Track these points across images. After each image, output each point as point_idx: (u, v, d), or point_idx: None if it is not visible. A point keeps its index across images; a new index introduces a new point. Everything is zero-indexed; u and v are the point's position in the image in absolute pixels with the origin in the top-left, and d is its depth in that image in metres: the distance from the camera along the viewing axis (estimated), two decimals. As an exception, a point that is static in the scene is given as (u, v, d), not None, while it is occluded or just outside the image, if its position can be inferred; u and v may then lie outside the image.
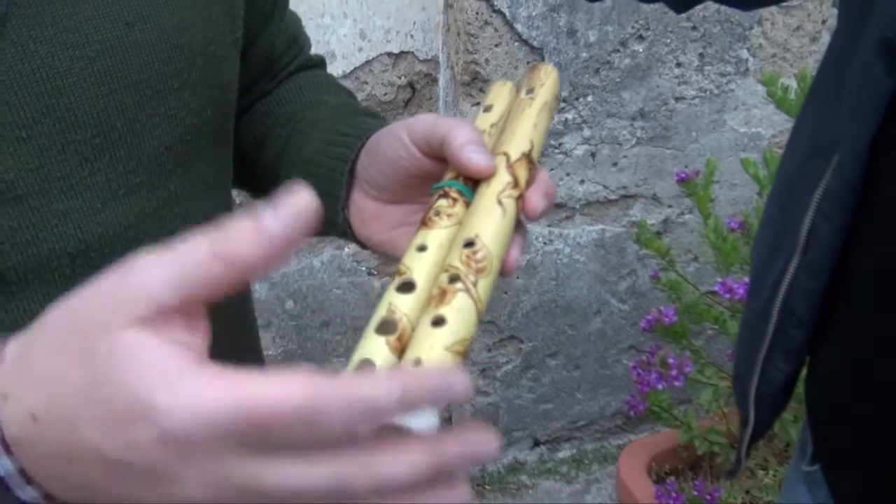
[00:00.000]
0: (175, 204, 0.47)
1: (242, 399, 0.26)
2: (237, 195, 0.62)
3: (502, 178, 0.42)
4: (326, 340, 1.76)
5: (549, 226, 1.63)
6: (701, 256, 1.68)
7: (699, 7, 0.68)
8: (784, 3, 1.47)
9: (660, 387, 1.29)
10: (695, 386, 1.35)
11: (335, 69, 1.51)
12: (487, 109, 0.49)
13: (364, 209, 0.50)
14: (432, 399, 0.27)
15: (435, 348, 0.35)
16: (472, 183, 0.43)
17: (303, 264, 1.69)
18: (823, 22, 1.59)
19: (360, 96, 1.52)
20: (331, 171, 0.51)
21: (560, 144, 1.56)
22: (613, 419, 1.85)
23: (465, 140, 0.43)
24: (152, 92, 0.44)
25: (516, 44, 1.45)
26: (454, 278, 0.38)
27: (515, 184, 0.42)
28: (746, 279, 1.17)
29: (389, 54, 1.56)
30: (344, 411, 0.26)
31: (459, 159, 0.42)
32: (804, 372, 0.61)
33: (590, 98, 1.53)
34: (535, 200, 0.43)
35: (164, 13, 0.44)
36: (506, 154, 0.44)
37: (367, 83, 1.57)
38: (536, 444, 1.84)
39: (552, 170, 1.56)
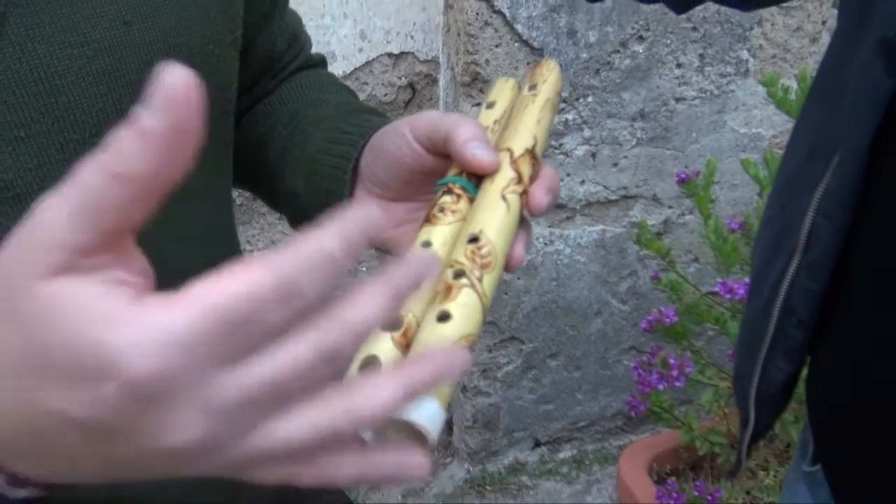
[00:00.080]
0: (174, 204, 0.47)
1: (207, 305, 0.24)
2: (238, 195, 0.62)
3: (506, 174, 0.42)
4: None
5: (549, 226, 1.63)
6: (701, 257, 1.68)
7: (699, 8, 0.68)
8: (784, 4, 1.47)
9: (660, 387, 1.29)
10: (695, 386, 1.35)
11: (335, 70, 1.52)
12: (490, 106, 0.49)
13: None
14: (361, 244, 0.27)
15: (440, 343, 0.35)
16: (476, 179, 0.43)
17: (303, 265, 1.69)
18: (823, 23, 1.59)
19: (360, 97, 1.52)
20: (334, 169, 0.51)
21: (560, 145, 1.56)
22: (614, 420, 1.85)
23: (469, 136, 0.43)
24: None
25: (516, 44, 1.45)
26: (459, 274, 0.38)
27: (519, 179, 0.42)
28: (747, 280, 1.17)
29: (390, 55, 1.56)
30: (312, 273, 0.25)
31: (463, 155, 0.42)
32: (805, 372, 0.61)
33: (590, 99, 1.53)
34: (539, 196, 0.43)
35: (162, 12, 0.44)
36: (509, 150, 0.44)
37: (367, 84, 1.57)
38: (537, 444, 1.84)
39: (552, 170, 1.56)
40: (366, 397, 0.27)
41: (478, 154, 0.42)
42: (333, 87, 0.62)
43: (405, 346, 0.36)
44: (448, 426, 1.87)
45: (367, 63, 1.55)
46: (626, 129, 1.58)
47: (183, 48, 0.45)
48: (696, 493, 1.31)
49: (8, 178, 0.40)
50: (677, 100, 1.58)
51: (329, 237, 0.26)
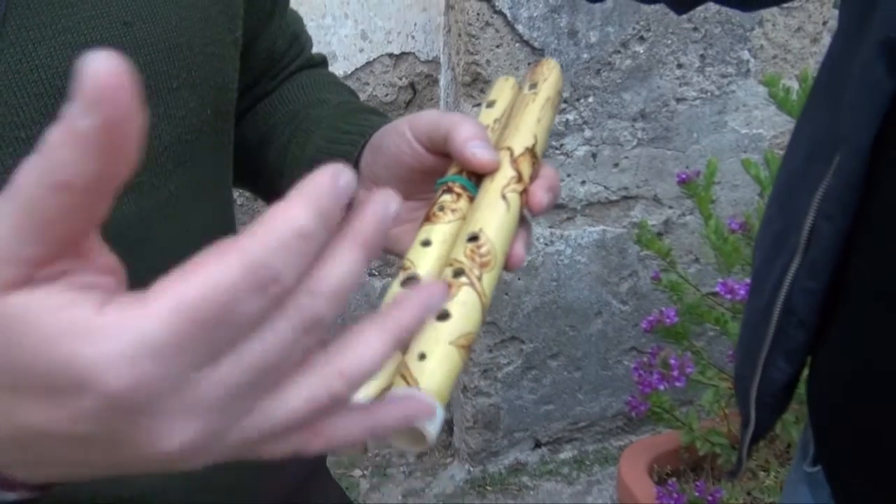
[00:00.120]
0: (175, 203, 0.47)
1: (179, 305, 0.23)
2: (238, 195, 0.62)
3: (506, 173, 0.42)
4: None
5: (550, 227, 1.63)
6: (702, 257, 1.68)
7: (700, 8, 0.68)
8: (785, 5, 1.47)
9: (661, 388, 1.29)
10: (696, 387, 1.35)
11: (336, 70, 1.52)
12: (490, 105, 0.49)
13: None
14: (334, 210, 0.25)
15: (440, 342, 0.35)
16: (476, 178, 0.43)
17: (304, 265, 1.69)
18: (824, 23, 1.59)
19: (361, 97, 1.52)
20: None
21: (561, 145, 1.56)
22: (614, 420, 1.85)
23: (469, 135, 0.43)
24: (151, 92, 0.44)
25: (517, 45, 1.45)
26: (458, 272, 0.38)
27: (519, 178, 0.42)
28: (747, 280, 1.17)
29: (390, 55, 1.56)
30: (286, 253, 0.23)
31: (463, 154, 0.42)
32: (806, 373, 0.61)
33: (591, 99, 1.53)
34: (539, 195, 0.43)
35: (162, 13, 0.44)
36: (509, 149, 0.44)
37: (368, 84, 1.57)
38: (538, 445, 1.84)
39: (553, 171, 1.56)
40: (356, 355, 0.26)
41: (478, 153, 0.42)
42: (334, 86, 0.62)
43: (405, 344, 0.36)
44: (448, 426, 1.87)
45: (368, 63, 1.55)
46: (627, 129, 1.58)
47: (183, 48, 0.45)
48: (697, 494, 1.31)
49: (8, 179, 0.40)
50: (678, 100, 1.58)
51: (297, 209, 0.24)
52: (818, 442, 0.60)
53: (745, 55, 1.58)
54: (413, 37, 1.56)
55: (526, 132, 0.45)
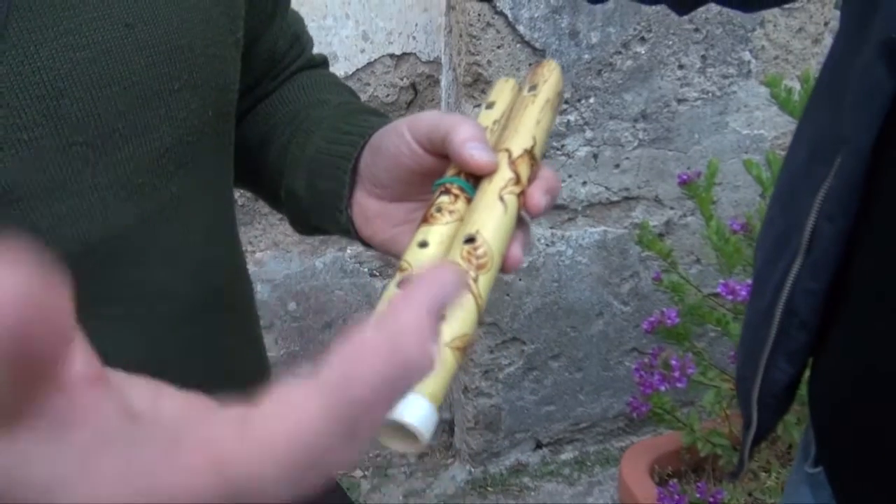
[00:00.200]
0: (177, 205, 0.47)
1: (268, 456, 0.20)
2: (239, 195, 0.62)
3: (504, 175, 0.42)
4: (329, 342, 1.76)
5: (551, 227, 1.63)
6: (703, 258, 1.68)
7: (701, 9, 0.68)
8: (786, 5, 1.47)
9: (662, 389, 1.29)
10: (697, 388, 1.34)
11: (337, 70, 1.52)
12: (490, 106, 0.49)
13: (367, 207, 0.50)
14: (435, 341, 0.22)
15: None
16: (474, 179, 0.43)
17: (305, 266, 1.69)
18: (826, 24, 1.59)
19: (362, 98, 1.52)
20: (334, 169, 0.51)
21: (562, 146, 1.56)
22: (616, 421, 1.85)
23: (467, 136, 0.43)
24: (153, 93, 0.44)
25: (518, 45, 1.45)
26: None
27: (517, 180, 0.42)
28: (749, 281, 1.16)
29: (391, 56, 1.56)
30: (380, 397, 0.21)
31: (461, 156, 0.42)
32: (807, 374, 0.60)
33: (592, 100, 1.53)
34: (537, 197, 0.43)
35: (164, 15, 0.44)
36: (508, 151, 0.44)
37: (369, 84, 1.57)
38: (539, 446, 1.84)
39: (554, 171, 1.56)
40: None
41: (476, 154, 0.42)
42: (334, 87, 0.62)
43: None
44: (449, 427, 1.87)
45: (369, 64, 1.55)
46: (628, 130, 1.58)
47: (185, 50, 0.45)
48: (698, 495, 1.30)
49: (10, 181, 0.40)
50: (679, 101, 1.58)
51: (400, 337, 0.21)
52: (819, 443, 0.60)
53: (747, 56, 1.58)
54: (414, 37, 1.56)
55: (525, 134, 0.44)
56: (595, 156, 1.59)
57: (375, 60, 1.55)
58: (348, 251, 1.70)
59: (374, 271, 1.73)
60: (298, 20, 0.63)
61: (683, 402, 1.63)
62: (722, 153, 1.62)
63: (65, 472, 0.20)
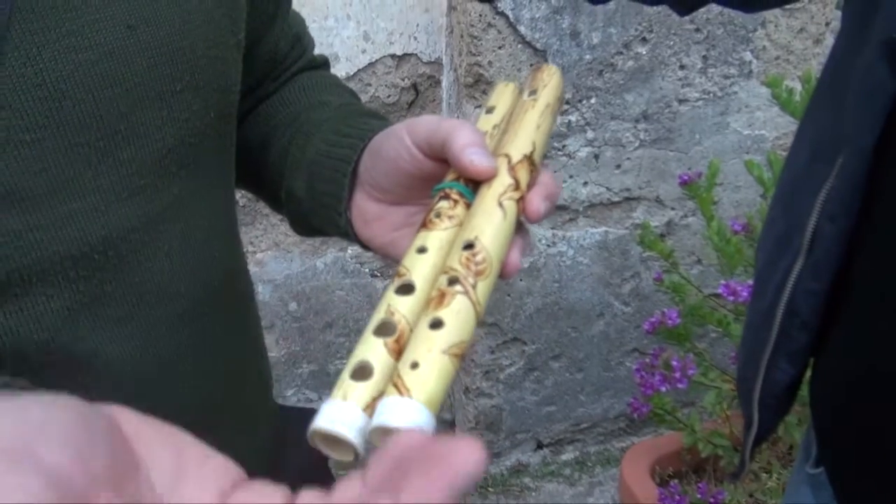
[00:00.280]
0: (178, 206, 0.47)
1: None
2: (240, 196, 0.62)
3: (503, 180, 0.42)
4: (329, 342, 1.76)
5: (552, 228, 1.63)
6: (704, 259, 1.68)
7: (702, 9, 0.68)
8: (787, 6, 1.47)
9: (663, 389, 1.29)
10: (698, 388, 1.34)
11: (338, 71, 1.52)
12: (490, 111, 0.49)
13: (366, 211, 0.50)
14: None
15: (432, 351, 0.35)
16: (473, 184, 0.43)
17: (306, 266, 1.69)
18: (827, 24, 1.59)
19: (363, 98, 1.52)
20: (334, 171, 0.51)
21: (563, 146, 1.56)
22: (616, 422, 1.85)
23: (467, 142, 0.43)
24: (155, 95, 0.44)
25: (519, 46, 1.45)
26: (453, 280, 0.38)
27: (517, 186, 0.42)
28: (750, 281, 1.16)
29: (393, 56, 1.56)
30: None
31: (460, 161, 0.42)
32: (808, 374, 0.60)
33: (593, 100, 1.53)
34: (536, 203, 0.43)
35: (166, 16, 0.44)
36: (507, 156, 0.43)
37: (370, 85, 1.57)
38: (539, 446, 1.84)
39: (555, 172, 1.56)
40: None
41: (475, 160, 0.42)
42: (335, 88, 0.62)
43: (398, 352, 0.36)
44: (450, 427, 1.87)
45: (371, 64, 1.55)
46: (629, 130, 1.57)
47: (187, 51, 0.45)
48: (699, 496, 1.30)
49: (13, 182, 0.40)
50: (680, 101, 1.58)
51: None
52: (821, 443, 0.60)
53: (748, 56, 1.58)
54: (415, 38, 1.56)
55: (524, 139, 0.44)
56: (596, 156, 1.59)
57: (377, 61, 1.55)
58: (349, 251, 1.70)
59: (375, 272, 1.74)
60: (300, 21, 0.63)
61: (684, 402, 1.63)
62: (723, 153, 1.62)
63: None
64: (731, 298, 1.22)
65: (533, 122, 0.46)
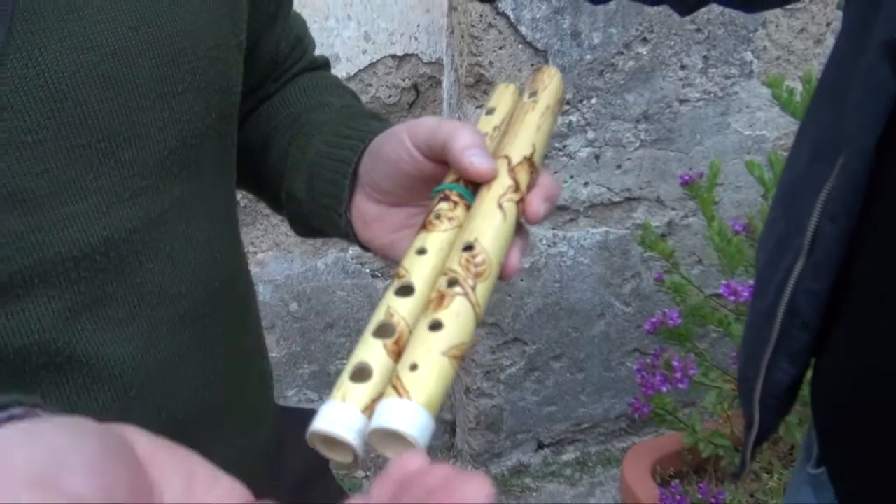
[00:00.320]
0: (180, 207, 0.47)
1: None
2: (241, 196, 0.62)
3: (503, 182, 0.42)
4: (330, 342, 1.76)
5: (552, 228, 1.63)
6: (705, 259, 1.68)
7: (703, 9, 0.68)
8: (788, 6, 1.46)
9: (664, 389, 1.29)
10: (699, 389, 1.34)
11: (339, 71, 1.52)
12: (490, 112, 0.49)
13: (366, 212, 0.50)
14: None
15: (432, 352, 0.35)
16: (473, 186, 0.43)
17: (307, 266, 1.69)
18: (828, 24, 1.59)
19: (364, 98, 1.52)
20: (334, 173, 0.51)
21: (564, 147, 1.56)
22: (617, 422, 1.85)
23: (467, 144, 0.43)
24: (157, 95, 0.44)
25: (520, 46, 1.45)
26: (453, 282, 0.38)
27: (516, 187, 0.42)
28: (751, 282, 1.16)
29: (393, 56, 1.56)
30: None
31: (461, 163, 0.42)
32: (809, 374, 0.60)
33: (594, 100, 1.53)
34: (536, 204, 0.43)
35: (168, 17, 0.44)
36: (507, 157, 0.44)
37: (371, 85, 1.57)
38: (540, 446, 1.84)
39: (556, 172, 1.56)
40: None
41: (475, 161, 0.42)
42: (336, 90, 0.62)
43: (397, 353, 0.36)
44: (451, 428, 1.87)
45: (371, 65, 1.55)
46: (630, 130, 1.57)
47: (188, 53, 0.45)
48: (700, 496, 1.30)
49: (15, 183, 0.40)
50: (681, 101, 1.58)
51: None
52: (822, 443, 0.60)
53: (749, 56, 1.58)
54: (416, 38, 1.56)
55: (525, 141, 0.44)
56: (597, 156, 1.59)
57: (377, 61, 1.56)
58: (350, 252, 1.70)
59: (376, 272, 1.74)
60: (300, 22, 0.63)
61: (685, 402, 1.63)
62: (724, 154, 1.62)
63: None
64: (732, 298, 1.22)
65: (533, 124, 0.46)
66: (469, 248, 0.39)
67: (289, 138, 0.57)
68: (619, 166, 1.60)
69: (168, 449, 0.28)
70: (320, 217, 0.53)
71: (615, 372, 1.79)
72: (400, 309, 0.38)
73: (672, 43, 1.52)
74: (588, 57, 1.49)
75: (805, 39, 1.59)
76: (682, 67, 1.55)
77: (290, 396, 1.78)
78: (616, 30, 1.49)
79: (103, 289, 0.44)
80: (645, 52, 1.52)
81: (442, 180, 0.45)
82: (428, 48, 1.58)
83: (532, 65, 1.47)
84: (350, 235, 0.52)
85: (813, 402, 0.59)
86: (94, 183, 0.43)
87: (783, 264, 0.57)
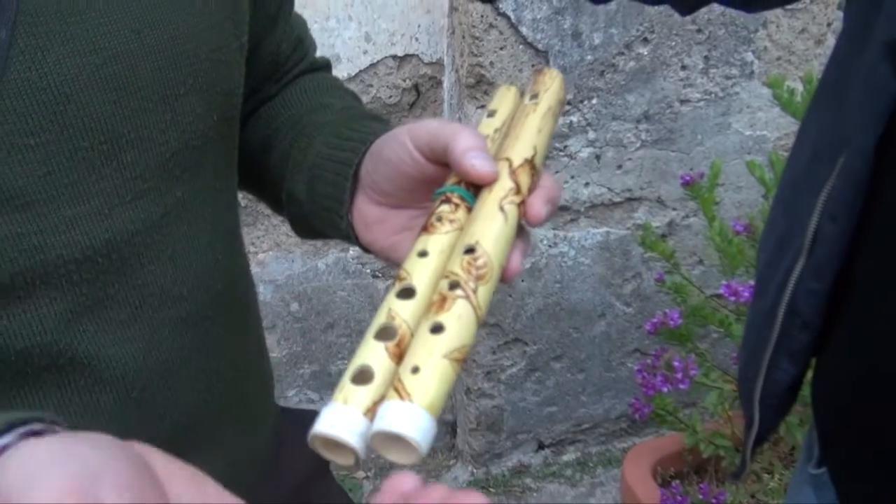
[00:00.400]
0: (182, 209, 0.47)
1: None
2: (242, 196, 0.62)
3: (504, 184, 0.42)
4: (331, 342, 1.76)
5: (553, 229, 1.63)
6: (706, 259, 1.68)
7: (704, 10, 0.68)
8: (789, 6, 1.46)
9: (665, 390, 1.29)
10: (700, 389, 1.34)
11: (340, 72, 1.52)
12: (491, 114, 0.49)
13: (367, 214, 0.50)
14: None
15: (433, 355, 0.35)
16: (475, 188, 0.43)
17: (308, 266, 1.69)
18: (829, 24, 1.59)
19: (364, 99, 1.52)
20: (335, 175, 0.51)
21: (565, 147, 1.56)
22: (618, 422, 1.85)
23: (468, 146, 0.43)
24: (159, 98, 0.44)
25: (521, 46, 1.45)
26: (454, 285, 0.38)
27: (518, 190, 0.42)
28: (752, 282, 1.16)
29: (394, 57, 1.56)
30: None
31: (462, 165, 0.42)
32: (810, 374, 0.60)
33: (594, 101, 1.53)
34: (537, 207, 0.43)
35: (171, 20, 0.44)
36: (508, 160, 0.44)
37: (371, 86, 1.57)
38: (541, 447, 1.84)
39: (557, 172, 1.56)
40: None
41: (476, 164, 0.42)
42: (337, 91, 0.62)
43: (399, 356, 0.36)
44: (452, 428, 1.87)
45: (372, 65, 1.55)
46: (631, 131, 1.58)
47: (190, 55, 0.46)
48: (701, 496, 1.30)
49: (18, 185, 0.40)
50: (682, 102, 1.58)
51: None
52: (823, 443, 0.60)
53: (749, 57, 1.58)
54: (417, 39, 1.57)
55: (526, 143, 0.44)
56: (598, 157, 1.59)
57: (378, 62, 1.56)
58: (351, 252, 1.70)
59: (377, 272, 1.74)
60: (301, 24, 0.63)
61: (686, 403, 1.63)
62: (725, 154, 1.62)
63: None
64: (733, 299, 1.22)
65: (534, 126, 0.46)
66: (470, 250, 0.39)
67: (290, 140, 0.57)
68: (619, 167, 1.60)
69: (182, 467, 0.30)
70: (321, 219, 0.53)
71: (616, 372, 1.79)
72: (401, 311, 0.38)
73: (673, 43, 1.52)
74: (589, 57, 1.49)
75: (806, 40, 1.59)
76: (683, 68, 1.55)
77: (290, 396, 1.78)
78: (617, 30, 1.49)
79: (105, 291, 0.44)
80: (646, 53, 1.52)
81: (443, 182, 0.45)
82: (429, 49, 1.58)
83: (533, 65, 1.47)
84: (351, 237, 0.52)
85: (814, 403, 0.59)
86: (97, 185, 0.43)
87: (784, 264, 0.57)
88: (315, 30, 1.27)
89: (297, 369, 1.77)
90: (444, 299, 0.37)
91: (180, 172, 0.47)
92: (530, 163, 0.44)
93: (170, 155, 0.46)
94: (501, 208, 0.41)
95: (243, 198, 1.57)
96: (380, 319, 0.38)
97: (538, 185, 0.44)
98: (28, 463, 0.27)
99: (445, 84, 1.61)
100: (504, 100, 0.50)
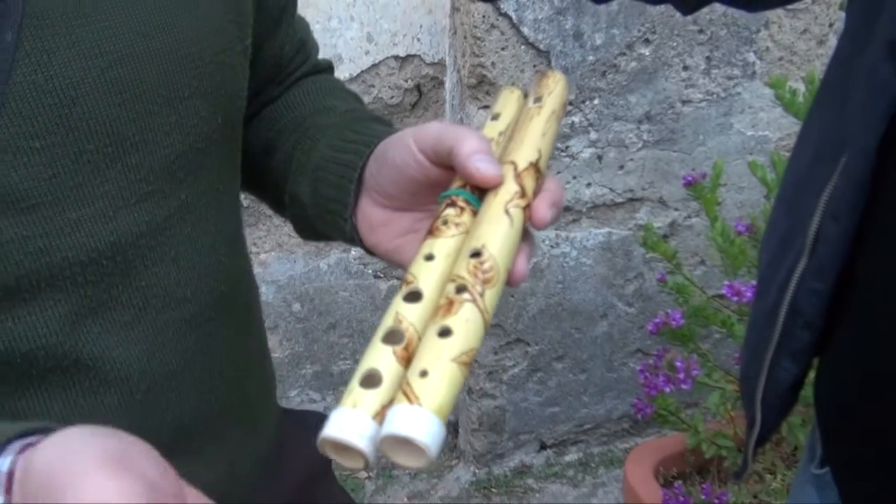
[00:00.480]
0: (186, 211, 0.47)
1: None
2: (244, 197, 0.62)
3: (509, 188, 0.42)
4: (333, 343, 1.77)
5: (555, 229, 1.63)
6: (708, 260, 1.68)
7: (706, 10, 0.68)
8: (791, 6, 1.46)
9: (667, 390, 1.29)
10: (702, 389, 1.34)
11: (342, 72, 1.52)
12: (495, 118, 0.49)
13: (372, 216, 0.50)
14: None
15: (442, 359, 0.35)
16: (480, 192, 0.43)
17: (310, 267, 1.69)
18: (830, 25, 1.59)
19: (366, 99, 1.52)
20: (339, 177, 0.51)
21: (567, 147, 1.56)
22: (620, 422, 1.85)
23: (473, 149, 0.43)
24: (164, 101, 0.44)
25: (523, 47, 1.45)
26: (461, 289, 0.38)
27: (523, 193, 0.42)
28: (754, 282, 1.16)
29: (396, 57, 1.56)
30: None
31: (467, 169, 0.42)
32: (812, 374, 0.60)
33: (596, 101, 1.53)
34: (543, 210, 0.43)
35: (177, 23, 0.45)
36: (513, 163, 0.44)
37: (373, 86, 1.57)
38: (543, 447, 1.84)
39: (559, 173, 1.56)
40: None
41: (481, 167, 0.42)
42: (340, 93, 0.62)
43: (406, 360, 0.37)
44: (454, 428, 1.87)
45: (374, 66, 1.56)
46: (633, 131, 1.58)
47: (195, 58, 0.46)
48: (703, 497, 1.30)
49: (23, 188, 0.40)
50: (684, 102, 1.58)
51: None
52: (826, 443, 0.60)
53: (751, 57, 1.58)
54: (419, 39, 1.57)
55: (530, 146, 0.45)
56: (599, 157, 1.59)
57: (380, 62, 1.56)
58: (353, 253, 1.70)
59: (379, 273, 1.74)
60: (304, 26, 0.64)
61: (688, 403, 1.63)
62: (726, 154, 1.62)
63: None
64: (735, 299, 1.22)
65: (538, 130, 0.46)
66: (477, 254, 0.39)
67: (293, 142, 0.57)
68: (621, 167, 1.60)
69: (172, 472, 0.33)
70: (325, 221, 0.54)
71: (618, 373, 1.79)
72: (408, 315, 0.38)
73: (674, 44, 1.53)
74: (590, 58, 1.49)
75: (808, 40, 1.59)
76: (685, 68, 1.55)
77: (292, 397, 1.79)
78: (618, 30, 1.49)
79: (109, 293, 0.44)
80: (647, 53, 1.52)
81: (447, 186, 0.45)
82: (430, 49, 1.58)
83: (535, 66, 1.47)
84: (355, 240, 0.52)
85: (816, 402, 0.59)
86: (101, 188, 0.43)
87: (785, 264, 0.57)
88: (317, 30, 1.27)
89: (299, 370, 1.77)
90: (451, 303, 0.37)
91: (184, 175, 0.47)
92: (535, 166, 0.44)
93: (174, 157, 0.46)
94: (507, 212, 0.41)
95: (245, 198, 1.56)
96: (387, 323, 0.38)
97: (542, 189, 0.44)
98: (62, 440, 0.30)
99: (447, 84, 1.61)
100: (508, 102, 0.50)
